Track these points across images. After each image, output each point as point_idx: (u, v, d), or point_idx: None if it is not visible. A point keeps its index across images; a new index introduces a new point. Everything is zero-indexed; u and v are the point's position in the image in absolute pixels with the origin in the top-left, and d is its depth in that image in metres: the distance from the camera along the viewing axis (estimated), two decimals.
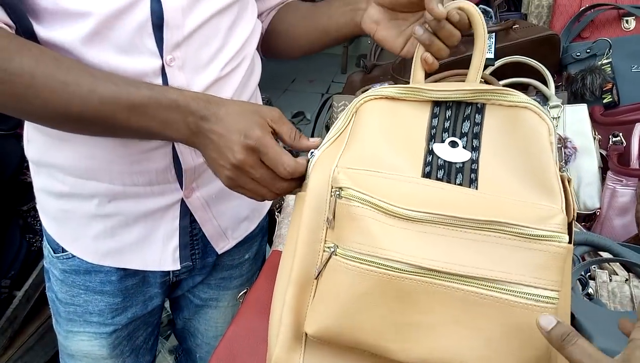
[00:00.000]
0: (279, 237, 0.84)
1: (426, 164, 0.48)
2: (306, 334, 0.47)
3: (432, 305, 0.42)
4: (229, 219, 0.75)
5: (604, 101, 1.04)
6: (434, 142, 0.49)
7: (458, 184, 0.46)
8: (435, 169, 0.48)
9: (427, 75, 0.58)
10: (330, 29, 0.70)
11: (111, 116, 0.52)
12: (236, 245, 0.79)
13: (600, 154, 0.98)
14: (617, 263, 0.72)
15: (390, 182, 0.46)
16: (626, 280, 0.69)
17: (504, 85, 1.01)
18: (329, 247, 0.45)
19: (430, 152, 0.49)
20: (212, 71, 0.63)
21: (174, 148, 0.64)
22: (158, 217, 0.69)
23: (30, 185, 1.18)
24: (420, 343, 0.43)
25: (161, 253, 0.71)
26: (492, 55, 1.02)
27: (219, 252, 0.76)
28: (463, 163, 0.48)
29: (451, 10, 0.53)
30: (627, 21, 1.11)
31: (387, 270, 0.42)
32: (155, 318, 0.81)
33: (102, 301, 0.72)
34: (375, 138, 0.49)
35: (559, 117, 0.96)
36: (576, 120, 0.96)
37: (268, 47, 0.79)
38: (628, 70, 1.05)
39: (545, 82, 1.01)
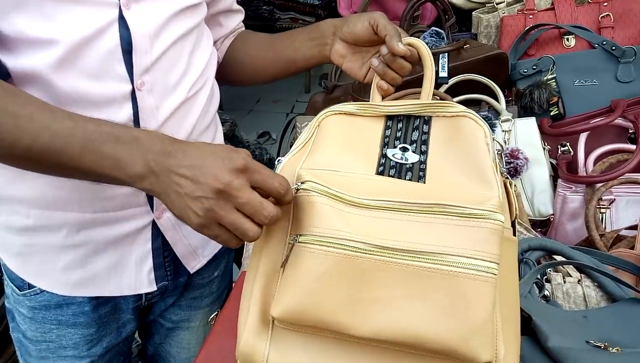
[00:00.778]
0: (248, 258, 0.85)
1: (380, 164, 0.54)
2: (273, 321, 0.49)
3: (387, 281, 0.46)
4: (199, 238, 0.75)
5: (551, 114, 1.11)
6: (387, 148, 0.55)
7: (408, 180, 0.52)
8: (388, 168, 0.53)
9: (384, 98, 0.66)
10: (297, 60, 0.76)
11: (60, 152, 0.49)
12: (206, 264, 0.79)
13: (551, 163, 1.04)
14: (570, 266, 0.76)
15: (347, 179, 0.51)
16: (579, 281, 0.73)
17: (459, 102, 1.06)
18: (293, 239, 0.48)
19: (383, 155, 0.54)
20: (179, 93, 0.65)
21: None
22: (130, 241, 0.68)
23: None
24: (377, 317, 0.46)
25: (136, 277, 0.70)
26: (445, 74, 1.07)
27: (192, 271, 0.76)
28: (412, 163, 0.54)
29: (401, 48, 0.63)
30: (567, 39, 1.19)
31: (344, 249, 0.46)
32: (128, 347, 0.80)
33: (77, 333, 0.71)
34: (335, 146, 0.54)
35: (510, 130, 1.02)
36: (526, 132, 1.02)
37: (227, 75, 0.83)
38: (571, 84, 1.13)
39: (496, 98, 1.07)
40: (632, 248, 0.81)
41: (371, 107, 0.58)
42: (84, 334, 0.71)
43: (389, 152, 0.55)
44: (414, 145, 0.55)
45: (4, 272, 0.72)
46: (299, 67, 0.77)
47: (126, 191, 0.65)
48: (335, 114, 0.57)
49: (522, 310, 0.60)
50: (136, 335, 0.88)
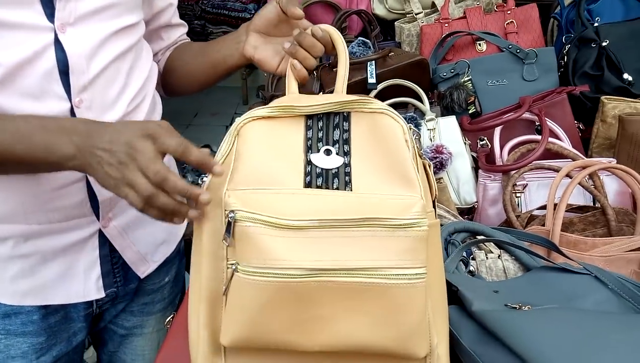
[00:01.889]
0: None
1: (306, 173, 0.54)
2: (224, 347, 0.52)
3: (326, 299, 0.48)
4: (147, 244, 0.78)
5: (470, 112, 1.22)
6: (311, 153, 0.55)
7: (335, 188, 0.53)
8: (315, 178, 0.54)
9: (300, 85, 0.66)
10: (218, 61, 0.79)
11: None
12: (156, 269, 0.82)
13: (472, 156, 1.15)
14: (492, 243, 0.86)
15: (276, 197, 0.51)
16: (499, 256, 0.83)
17: (388, 105, 1.15)
18: (231, 264, 0.50)
19: (309, 162, 0.54)
20: (119, 109, 0.69)
21: (88, 182, 0.67)
22: (77, 249, 0.70)
23: None
24: (323, 332, 0.49)
25: (84, 284, 0.72)
26: (374, 80, 1.16)
27: (142, 276, 0.79)
28: (338, 168, 0.54)
29: (314, 27, 0.66)
30: (479, 44, 1.32)
31: (283, 278, 0.47)
32: (79, 356, 0.80)
33: (25, 343, 0.71)
34: (258, 157, 0.53)
35: (434, 128, 1.12)
36: (449, 129, 1.12)
37: (168, 84, 0.86)
38: (485, 85, 1.25)
39: (421, 100, 1.18)
40: (544, 225, 0.93)
41: (286, 109, 0.56)
42: (32, 343, 0.72)
43: (314, 158, 0.54)
44: (337, 145, 0.55)
45: None
46: (222, 69, 0.79)
47: (71, 203, 0.67)
48: (253, 120, 0.55)
49: (450, 284, 0.69)
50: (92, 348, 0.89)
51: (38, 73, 0.60)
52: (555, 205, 0.90)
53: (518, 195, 1.05)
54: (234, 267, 0.49)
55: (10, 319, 0.70)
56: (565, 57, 1.26)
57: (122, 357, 0.87)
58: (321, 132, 0.56)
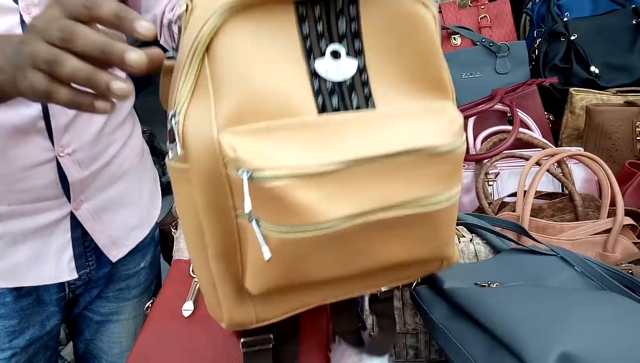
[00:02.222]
0: (179, 250, 0.89)
1: (316, 93, 0.40)
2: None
3: (365, 234, 0.42)
4: (120, 228, 0.78)
5: None
6: (314, 59, 0.40)
7: (356, 108, 0.41)
8: (328, 97, 0.41)
9: None
10: None
11: None
12: (130, 254, 0.82)
13: None
14: (464, 228, 0.89)
15: (292, 136, 0.39)
16: (471, 240, 0.86)
17: None
18: (246, 215, 0.40)
19: (314, 74, 0.40)
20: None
21: (58, 163, 0.67)
22: (48, 232, 0.70)
23: None
24: (361, 261, 0.44)
25: (56, 266, 0.72)
26: None
27: (113, 260, 0.79)
28: (352, 77, 0.41)
29: None
30: (454, 38, 1.35)
31: (321, 230, 0.39)
32: (54, 342, 0.80)
33: None
34: (248, 78, 0.38)
35: None
36: None
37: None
38: (459, 77, 1.29)
39: None
40: (514, 211, 0.96)
41: None
42: (5, 325, 0.71)
43: (319, 67, 0.40)
44: (345, 42, 0.41)
45: None
46: None
47: (41, 183, 0.67)
48: (218, 29, 0.37)
49: None
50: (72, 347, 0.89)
51: None
52: (525, 192, 0.93)
53: (490, 183, 1.08)
54: (251, 219, 0.40)
55: None
56: (537, 51, 1.30)
57: (99, 345, 0.87)
58: (320, 23, 0.40)
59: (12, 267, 0.69)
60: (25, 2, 0.60)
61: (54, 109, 0.65)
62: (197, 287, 0.70)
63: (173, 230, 0.98)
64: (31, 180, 0.66)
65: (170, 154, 0.41)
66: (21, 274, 0.70)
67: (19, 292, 0.72)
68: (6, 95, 0.46)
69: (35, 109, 0.63)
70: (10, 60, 0.42)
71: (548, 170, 1.00)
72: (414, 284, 0.71)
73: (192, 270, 0.72)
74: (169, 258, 0.97)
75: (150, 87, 4.05)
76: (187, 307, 0.68)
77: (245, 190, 0.37)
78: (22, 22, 0.61)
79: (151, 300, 0.74)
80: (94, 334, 0.86)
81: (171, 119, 0.39)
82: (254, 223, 0.39)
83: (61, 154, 0.67)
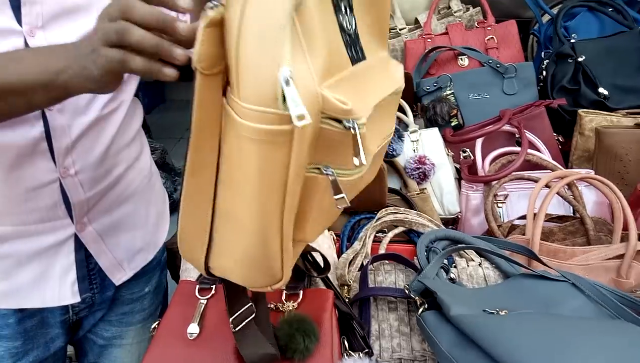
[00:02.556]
0: (186, 270, 0.88)
1: (346, 45, 0.44)
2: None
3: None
4: (124, 251, 0.78)
5: (452, 124, 1.25)
6: (338, 12, 0.44)
7: (362, 58, 0.47)
8: (352, 49, 0.45)
9: None
10: None
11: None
12: (135, 278, 0.81)
13: (455, 167, 1.18)
14: (473, 252, 0.88)
15: (350, 87, 0.42)
16: (480, 264, 0.84)
17: None
18: (322, 169, 0.42)
19: (342, 30, 0.44)
20: (91, 113, 0.69)
21: (61, 184, 0.67)
22: (52, 253, 0.70)
23: None
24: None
25: (59, 289, 0.72)
26: None
27: (117, 284, 0.78)
28: (354, 32, 0.46)
29: None
30: (461, 59, 1.35)
31: (364, 169, 0.44)
32: None
33: (1, 346, 0.71)
34: (323, 32, 0.41)
35: (417, 140, 1.14)
36: (432, 141, 1.15)
37: None
38: (467, 98, 1.28)
39: (405, 112, 1.20)
40: (524, 234, 0.95)
41: None
42: (8, 347, 0.71)
43: (342, 21, 0.44)
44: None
45: None
46: None
47: (45, 204, 0.67)
48: None
49: (429, 290, 0.70)
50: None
51: None
52: (535, 214, 0.92)
53: (500, 205, 1.07)
54: (328, 172, 0.41)
55: None
56: (544, 72, 1.30)
57: None
58: None
59: (16, 288, 0.70)
60: (29, 25, 0.61)
61: (56, 131, 0.65)
62: (202, 309, 0.69)
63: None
64: (35, 201, 0.66)
65: (265, 119, 0.38)
66: (25, 295, 0.70)
67: (23, 314, 0.72)
68: (74, 90, 0.51)
69: (37, 130, 0.64)
70: (76, 57, 0.48)
71: (558, 193, 0.99)
72: (421, 309, 0.70)
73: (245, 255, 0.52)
74: (177, 277, 0.96)
75: (164, 104, 4.09)
76: (192, 330, 0.67)
77: (359, 141, 0.39)
78: (26, 45, 0.62)
79: (157, 322, 0.74)
80: (97, 357, 0.86)
81: (287, 80, 0.36)
82: (330, 171, 0.41)
83: (64, 175, 0.68)
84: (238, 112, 0.39)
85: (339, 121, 0.39)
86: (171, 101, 3.98)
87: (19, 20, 0.60)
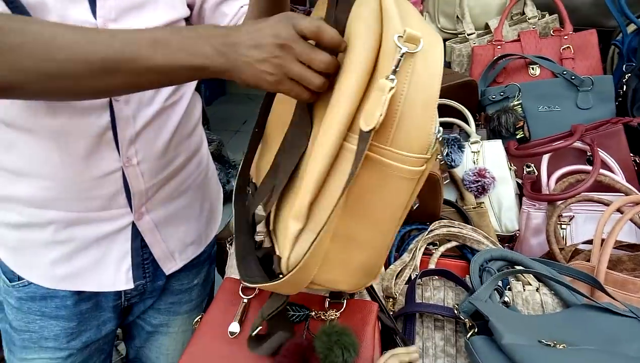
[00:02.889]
0: (231, 267, 0.89)
1: None
2: None
3: None
4: (177, 242, 0.80)
5: (517, 137, 1.19)
6: None
7: None
8: None
9: None
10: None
11: (135, 55, 0.50)
12: (184, 270, 0.83)
13: (517, 182, 1.11)
14: (531, 275, 0.82)
15: None
16: (537, 289, 0.79)
17: None
18: None
19: None
20: (155, 104, 0.71)
21: (123, 174, 0.70)
22: (110, 240, 0.73)
23: None
24: None
25: (115, 274, 0.74)
26: None
27: (167, 273, 0.81)
28: None
29: None
30: (533, 68, 1.28)
31: None
32: (109, 346, 0.83)
33: (58, 326, 0.74)
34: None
35: (479, 151, 1.09)
36: (494, 153, 1.09)
37: None
38: (536, 110, 1.21)
39: (467, 122, 1.15)
40: (589, 260, 0.88)
41: None
42: (64, 327, 0.75)
43: None
44: None
45: None
46: None
47: (107, 193, 0.70)
48: None
49: (481, 313, 0.66)
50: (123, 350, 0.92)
51: None
52: (603, 240, 0.85)
53: (563, 226, 1.00)
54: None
55: (46, 302, 0.74)
56: (625, 87, 1.21)
57: (147, 353, 0.89)
58: None
59: (76, 272, 0.73)
60: (103, 18, 0.63)
61: (121, 121, 0.67)
62: (244, 308, 0.69)
63: (228, 246, 0.99)
64: (98, 189, 0.69)
65: (418, 163, 0.49)
66: (83, 279, 0.74)
67: (80, 296, 0.75)
68: (213, 74, 0.53)
69: (104, 120, 0.66)
70: (230, 54, 0.51)
71: (631, 219, 0.91)
72: (470, 333, 0.66)
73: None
74: (222, 271, 0.98)
75: (224, 96, 4.20)
76: (233, 329, 0.67)
77: None
78: (110, 104, 0.65)
79: (200, 316, 0.74)
80: (143, 342, 0.88)
81: (439, 133, 0.50)
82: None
83: (127, 165, 0.70)
84: (391, 158, 0.48)
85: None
86: (231, 94, 4.08)
87: (94, 12, 0.63)
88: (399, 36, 0.45)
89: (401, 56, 0.45)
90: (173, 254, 0.80)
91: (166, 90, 0.72)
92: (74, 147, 0.66)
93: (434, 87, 0.47)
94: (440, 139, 0.50)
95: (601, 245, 0.85)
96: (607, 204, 0.95)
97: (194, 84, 0.81)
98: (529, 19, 1.38)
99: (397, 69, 0.45)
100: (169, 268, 0.80)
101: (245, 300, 0.70)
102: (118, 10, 0.65)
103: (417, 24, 0.47)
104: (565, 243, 0.98)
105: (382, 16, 0.47)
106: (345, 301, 0.67)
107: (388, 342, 0.69)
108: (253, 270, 0.59)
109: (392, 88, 0.45)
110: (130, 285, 0.76)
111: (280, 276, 0.52)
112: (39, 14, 0.58)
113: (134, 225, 0.74)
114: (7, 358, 0.80)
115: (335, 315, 0.65)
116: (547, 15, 1.39)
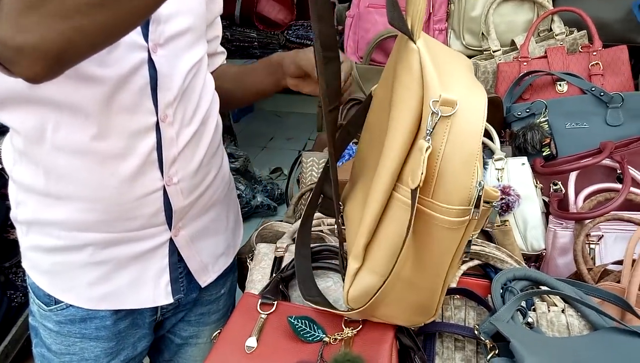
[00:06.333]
0: (251, 282, 0.90)
1: None
2: None
3: None
4: (209, 254, 0.82)
5: (544, 154, 1.16)
6: None
7: None
8: None
9: None
10: (263, 91, 0.88)
11: None
12: (214, 280, 0.85)
13: (543, 200, 1.09)
14: (557, 296, 0.80)
15: None
16: (563, 310, 0.77)
17: None
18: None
19: None
20: (194, 124, 0.74)
21: (165, 193, 0.72)
22: (149, 257, 0.75)
23: (12, 243, 1.22)
24: None
25: (154, 290, 0.76)
26: None
27: (203, 285, 0.82)
28: None
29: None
30: (560, 85, 1.26)
31: None
32: (140, 362, 0.85)
33: (98, 347, 0.76)
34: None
35: (503, 168, 1.07)
36: (519, 171, 1.07)
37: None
38: (563, 127, 1.19)
39: (491, 138, 1.14)
40: (619, 282, 0.85)
41: None
42: (104, 347, 0.76)
43: None
44: None
45: (30, 291, 0.78)
46: (265, 95, 0.90)
47: (148, 212, 0.72)
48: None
49: (502, 335, 0.65)
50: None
51: (134, 89, 0.66)
52: (634, 261, 0.82)
53: (592, 246, 0.97)
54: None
55: (85, 323, 0.75)
56: None
57: None
58: None
59: (115, 291, 0.75)
60: (153, 42, 0.67)
61: (166, 141, 0.70)
62: (262, 324, 0.70)
63: (249, 261, 1.00)
64: (140, 209, 0.71)
65: (460, 214, 0.53)
66: (122, 297, 0.75)
67: (118, 315, 0.77)
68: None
69: (150, 144, 0.69)
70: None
71: None
72: (490, 355, 0.65)
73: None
74: (242, 286, 0.99)
75: (252, 113, 4.27)
76: (251, 344, 0.68)
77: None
78: (150, 60, 0.67)
79: (218, 330, 0.75)
80: (172, 355, 0.90)
81: (481, 188, 0.52)
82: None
83: (168, 184, 0.72)
84: (433, 209, 0.53)
85: (488, 202, 0.53)
86: (260, 111, 4.14)
87: (145, 36, 0.66)
88: (434, 101, 0.49)
89: (437, 118, 0.49)
90: (207, 266, 0.82)
91: (202, 110, 0.76)
92: (122, 169, 0.68)
93: (473, 145, 0.50)
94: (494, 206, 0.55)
95: (632, 266, 0.82)
96: (638, 224, 0.92)
97: (217, 101, 0.83)
98: (556, 35, 1.36)
99: (432, 131, 0.49)
100: (204, 280, 0.82)
101: (264, 316, 0.70)
102: (166, 35, 0.68)
103: (460, 85, 0.51)
104: (594, 263, 0.95)
105: (423, 81, 0.51)
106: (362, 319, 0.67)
107: (406, 360, 0.68)
108: (312, 290, 0.69)
109: (428, 148, 0.49)
110: (170, 300, 0.78)
111: (346, 307, 0.62)
112: None
113: (171, 241, 0.76)
114: None
115: (353, 332, 0.65)
116: (575, 31, 1.37)
